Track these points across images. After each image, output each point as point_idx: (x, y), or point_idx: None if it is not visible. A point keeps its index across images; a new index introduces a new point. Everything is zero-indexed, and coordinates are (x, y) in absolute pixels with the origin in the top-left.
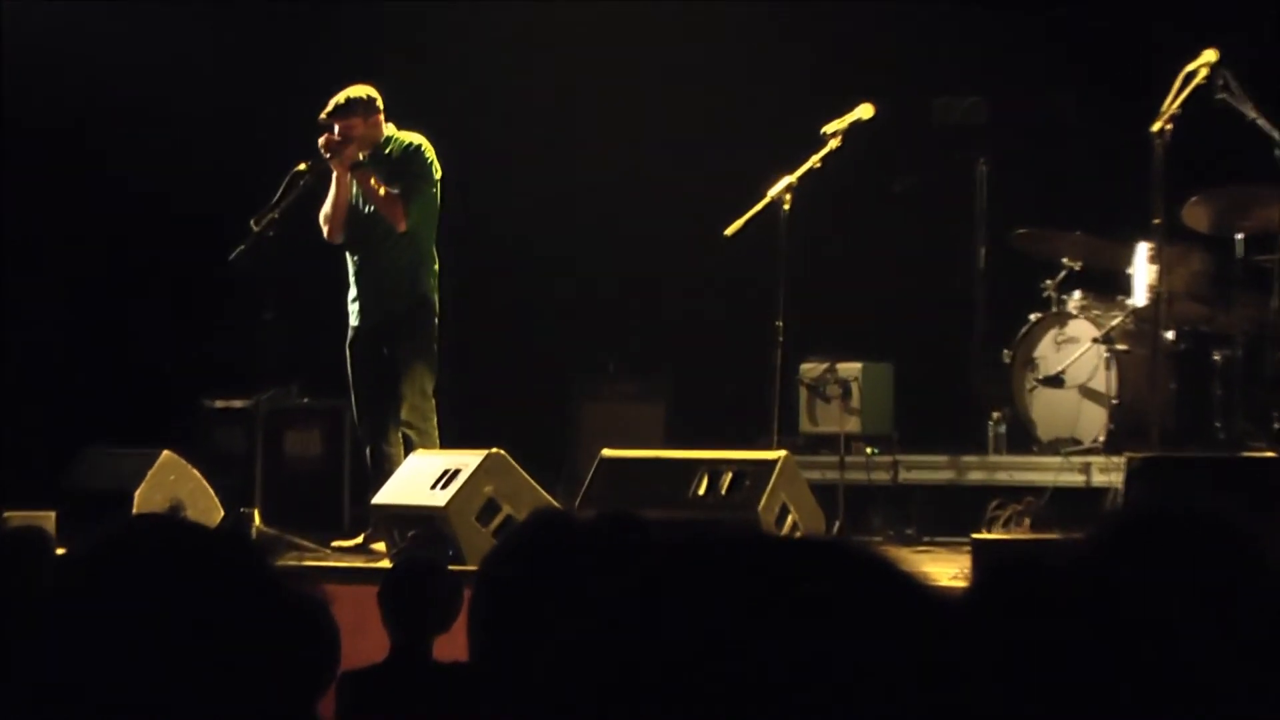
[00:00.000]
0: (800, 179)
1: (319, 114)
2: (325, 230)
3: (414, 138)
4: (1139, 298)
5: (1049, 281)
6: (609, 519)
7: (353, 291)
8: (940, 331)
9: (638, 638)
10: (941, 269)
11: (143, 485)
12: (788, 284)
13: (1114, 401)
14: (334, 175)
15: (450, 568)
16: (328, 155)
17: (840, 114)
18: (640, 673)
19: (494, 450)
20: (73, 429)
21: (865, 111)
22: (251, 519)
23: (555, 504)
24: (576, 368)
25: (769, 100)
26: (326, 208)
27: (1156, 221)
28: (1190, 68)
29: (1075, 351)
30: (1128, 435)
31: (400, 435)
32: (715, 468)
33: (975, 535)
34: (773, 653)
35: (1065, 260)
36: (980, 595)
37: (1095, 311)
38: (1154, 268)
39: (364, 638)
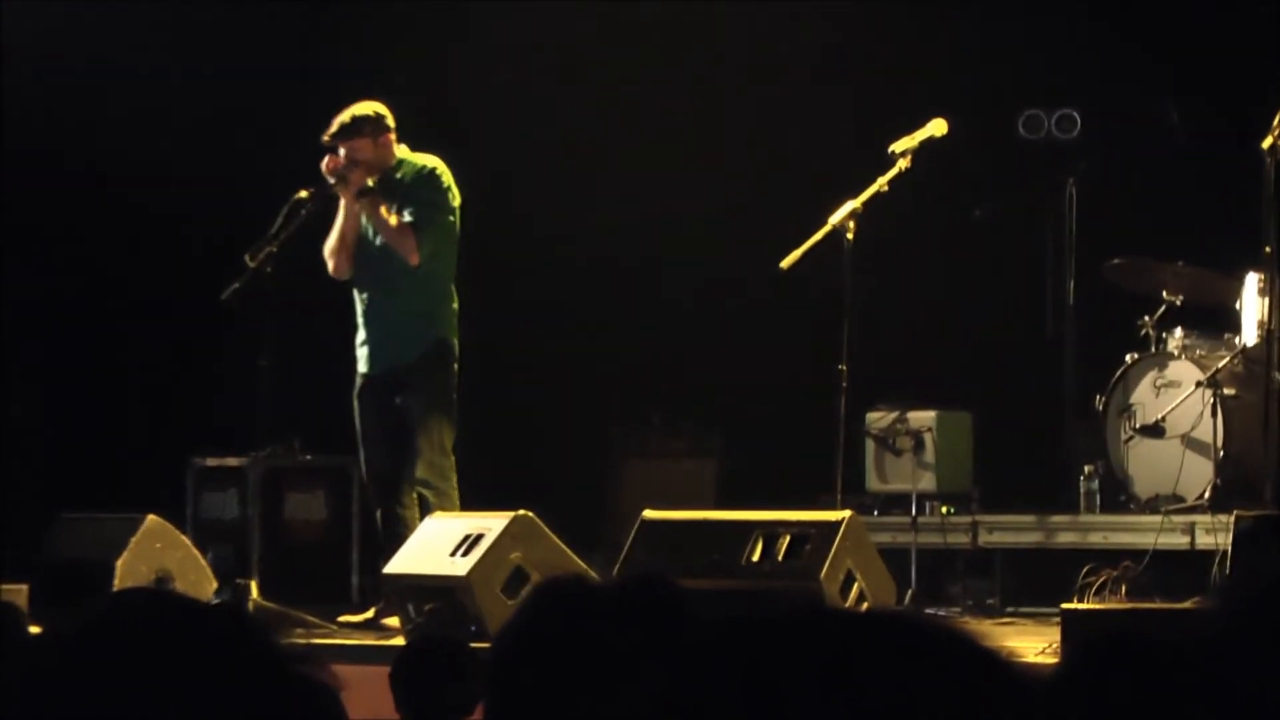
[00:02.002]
0: (865, 204)
1: (322, 136)
2: (330, 265)
3: (429, 160)
4: (1248, 336)
5: (1147, 318)
6: (637, 584)
7: (361, 334)
8: (1024, 375)
9: None
10: (1026, 305)
11: (125, 554)
12: (852, 323)
13: (1221, 453)
14: (340, 204)
15: (472, 645)
16: (332, 181)
17: (910, 130)
18: None
19: (521, 512)
20: (47, 492)
21: (938, 128)
22: (248, 592)
23: (591, 573)
24: (616, 419)
25: (830, 116)
26: (332, 240)
27: (1268, 250)
28: None
29: (1177, 397)
30: (1237, 491)
31: (415, 496)
32: (771, 531)
33: (1065, 605)
34: None
35: (1165, 294)
36: (1072, 673)
37: (1199, 352)
38: (1265, 301)
39: None
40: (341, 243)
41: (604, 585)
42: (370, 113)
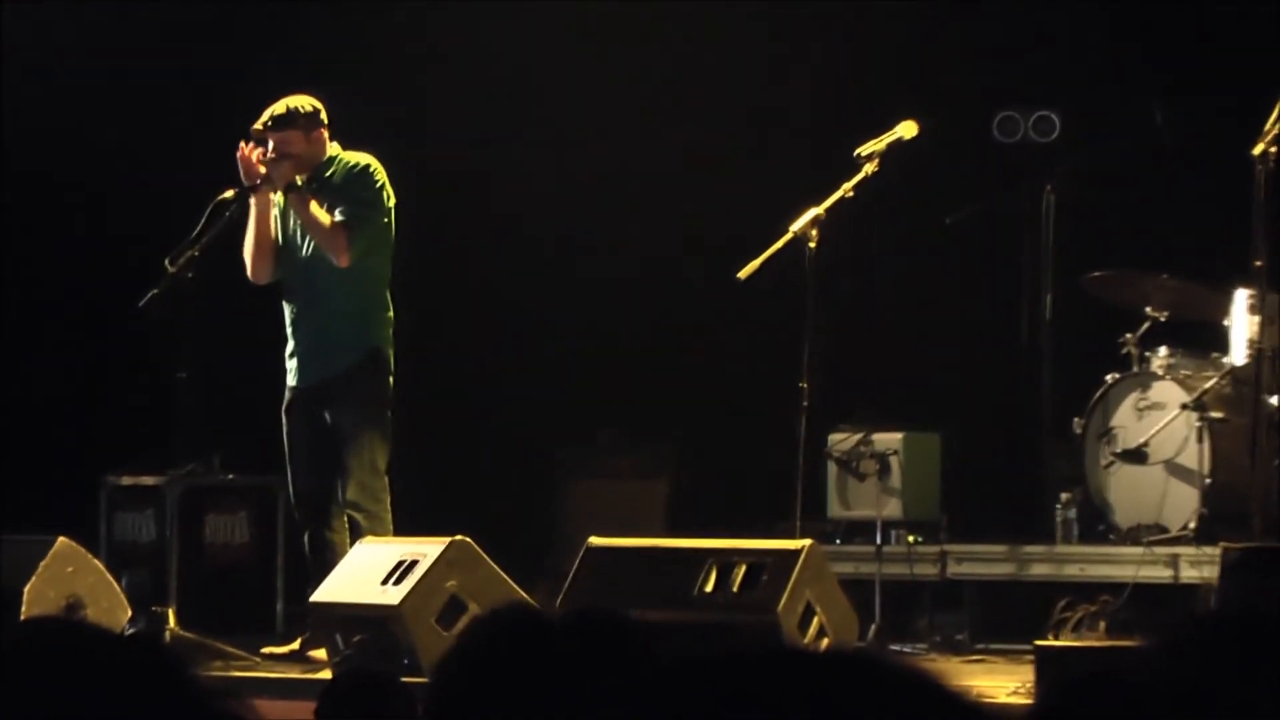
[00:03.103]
0: (829, 211)
1: (252, 126)
2: (249, 269)
3: (361, 157)
4: (1237, 355)
5: (1129, 335)
6: (589, 619)
7: (290, 345)
8: (997, 395)
9: None
10: (1000, 319)
11: (33, 580)
12: (814, 337)
13: (1207, 480)
14: (252, 201)
15: (404, 680)
16: (258, 177)
17: (878, 132)
18: None
19: (458, 538)
20: None
21: (907, 129)
22: (165, 620)
23: (532, 603)
24: (560, 438)
25: (792, 118)
26: (248, 242)
27: (1258, 264)
28: None
29: (1160, 420)
30: (1223, 521)
31: (345, 519)
32: (726, 560)
33: (1040, 642)
34: None
35: (1149, 309)
36: (1046, 716)
37: (1185, 372)
38: (1255, 319)
39: None
40: (257, 244)
41: (553, 618)
42: (305, 105)
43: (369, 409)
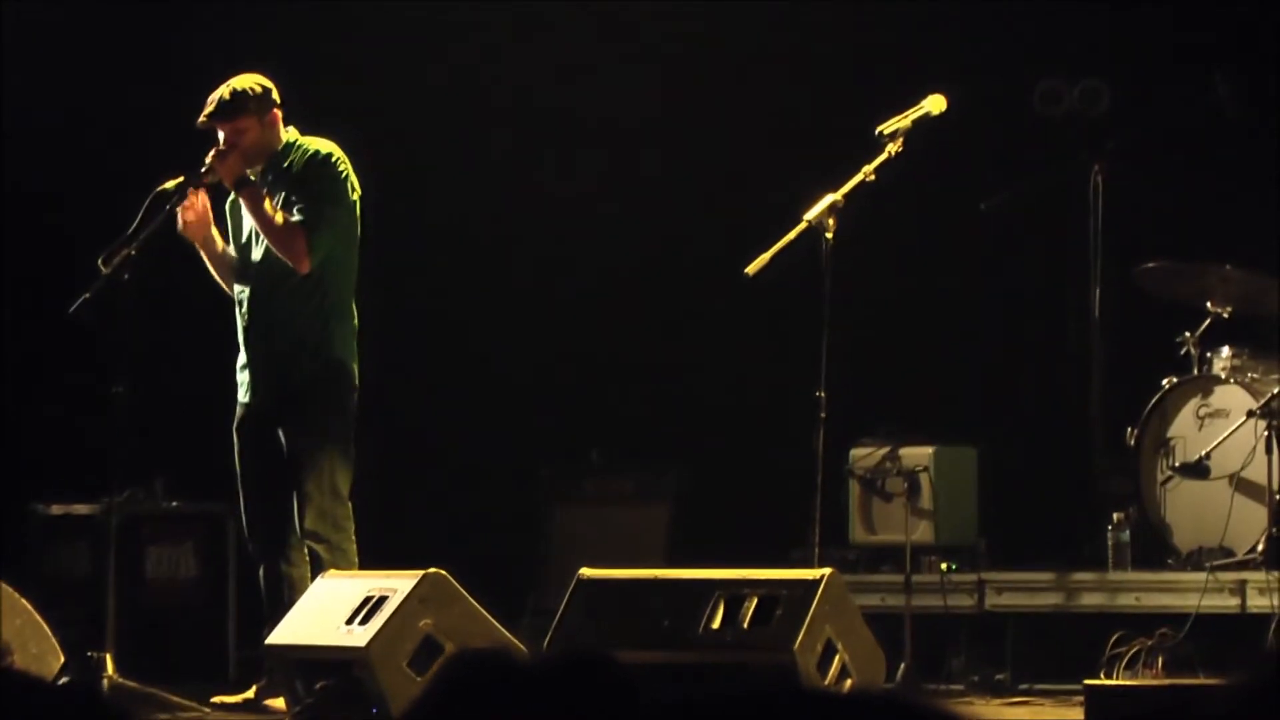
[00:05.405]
0: (848, 197)
1: (199, 118)
2: (228, 290)
3: (321, 144)
4: None
5: (1188, 334)
6: (571, 664)
7: (242, 356)
8: (1041, 403)
9: None
10: (1043, 317)
11: None
12: (833, 340)
13: (1278, 497)
14: (195, 241)
15: None
16: (203, 170)
17: (902, 108)
18: None
19: (432, 571)
20: None
21: (936, 104)
22: (103, 666)
23: (517, 644)
24: (547, 457)
25: (805, 91)
26: (209, 266)
27: None
28: None
29: (1224, 429)
30: None
31: (304, 550)
32: (735, 592)
33: (1090, 681)
34: None
35: (1210, 304)
36: None
37: (1251, 374)
38: None
39: None
40: (218, 267)
41: (531, 663)
42: (255, 86)
43: (330, 427)
